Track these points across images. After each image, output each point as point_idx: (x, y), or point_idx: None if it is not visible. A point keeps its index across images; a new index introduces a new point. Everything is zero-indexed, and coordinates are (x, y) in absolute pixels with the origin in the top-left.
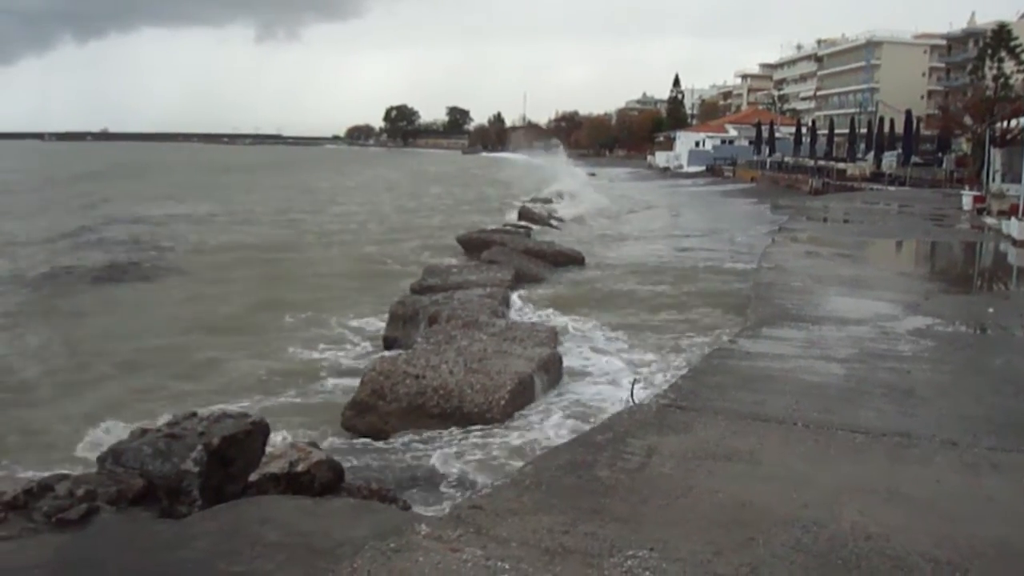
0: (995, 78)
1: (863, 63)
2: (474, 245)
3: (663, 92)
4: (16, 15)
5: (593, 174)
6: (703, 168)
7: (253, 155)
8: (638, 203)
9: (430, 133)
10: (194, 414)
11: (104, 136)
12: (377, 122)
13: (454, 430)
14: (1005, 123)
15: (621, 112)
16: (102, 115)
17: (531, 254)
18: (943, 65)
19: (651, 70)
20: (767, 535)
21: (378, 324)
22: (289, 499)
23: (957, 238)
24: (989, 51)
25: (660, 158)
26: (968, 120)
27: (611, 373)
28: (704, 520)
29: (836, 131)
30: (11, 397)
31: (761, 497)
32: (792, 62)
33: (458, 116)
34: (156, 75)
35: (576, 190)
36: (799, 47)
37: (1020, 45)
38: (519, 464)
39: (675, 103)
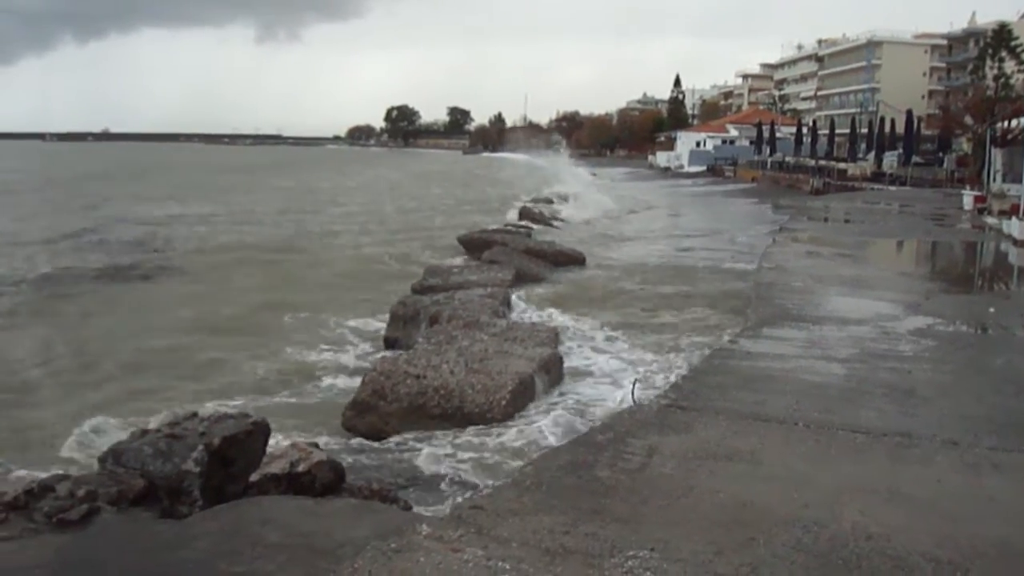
0: (996, 78)
1: (864, 63)
2: (475, 245)
3: (664, 92)
4: (16, 15)
5: (594, 174)
6: (704, 168)
7: (254, 155)
8: (639, 203)
9: (431, 133)
10: (195, 414)
11: (105, 136)
12: (378, 122)
13: (455, 430)
14: (1006, 123)
15: (622, 112)
16: (103, 115)
17: (532, 254)
18: (944, 65)
19: (652, 70)
20: (768, 535)
21: (379, 324)
22: (290, 499)
23: (958, 238)
24: (990, 51)
25: (661, 158)
26: (969, 120)
27: (612, 373)
28: (705, 520)
29: (837, 131)
30: (12, 397)
31: (762, 497)
32: (793, 62)
33: (459, 116)
34: (157, 75)
35: (578, 191)
36: (800, 47)
37: (1021, 45)
38: (520, 464)
39: (676, 103)
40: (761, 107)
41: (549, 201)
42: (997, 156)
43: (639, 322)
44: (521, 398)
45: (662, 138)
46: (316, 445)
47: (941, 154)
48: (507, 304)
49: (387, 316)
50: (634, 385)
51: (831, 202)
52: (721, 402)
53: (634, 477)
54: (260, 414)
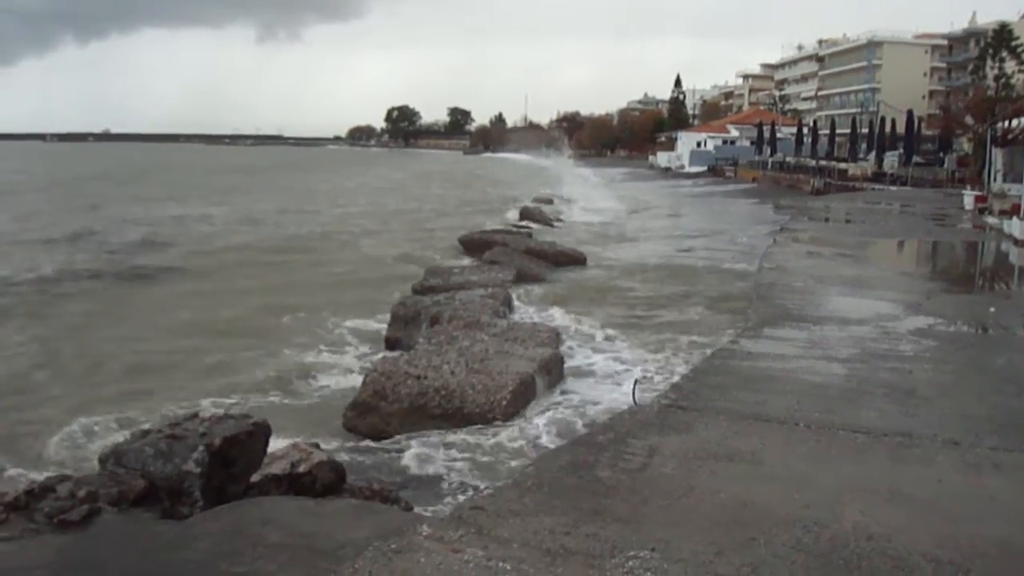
0: (996, 78)
1: (864, 63)
2: (476, 245)
3: (664, 92)
4: (17, 16)
5: (595, 175)
6: (705, 168)
7: (255, 156)
8: (639, 203)
9: (431, 134)
10: (195, 415)
11: (106, 137)
12: (378, 123)
13: (456, 431)
14: (1006, 123)
15: (622, 112)
16: (103, 116)
17: (533, 254)
18: (944, 65)
19: (652, 70)
20: (768, 535)
21: (380, 325)
22: (291, 500)
23: (959, 238)
24: (990, 51)
25: (662, 158)
26: (969, 120)
27: (612, 373)
28: (706, 520)
29: (837, 131)
30: (12, 398)
31: (763, 497)
32: (793, 62)
33: (459, 117)
34: (157, 76)
35: (580, 191)
36: (800, 47)
37: (1021, 45)
38: (521, 465)
39: (676, 103)
40: (762, 107)
41: (549, 201)
42: (998, 156)
43: (640, 322)
44: (522, 398)
45: (663, 138)
46: (317, 446)
47: (942, 154)
48: (508, 304)
49: (388, 316)
50: (635, 385)
51: (832, 202)
52: (722, 402)
53: (635, 477)
54: (261, 415)
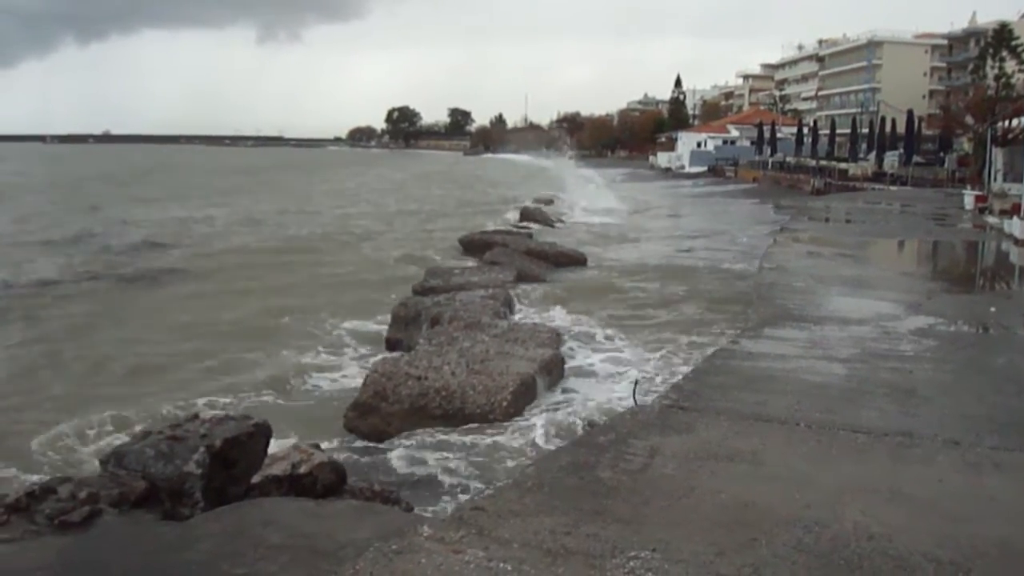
0: (996, 77)
1: (864, 63)
2: (476, 246)
3: (665, 92)
4: (17, 17)
5: (598, 175)
6: (705, 169)
7: (255, 157)
8: (640, 204)
9: (432, 134)
10: (196, 416)
11: (106, 138)
12: (379, 123)
13: (456, 431)
14: (1006, 122)
15: (623, 113)
16: (104, 117)
17: (533, 255)
18: (944, 65)
19: (653, 70)
20: (769, 535)
21: (380, 326)
22: (292, 501)
23: (959, 238)
24: (990, 50)
25: (662, 159)
26: (969, 120)
27: (613, 374)
28: (706, 521)
29: (838, 131)
30: (12, 399)
31: (763, 497)
32: (793, 62)
33: (460, 117)
34: (157, 77)
35: (581, 192)
36: (800, 47)
37: (1021, 44)
38: (521, 465)
39: (677, 103)
40: (762, 107)
41: (550, 202)
42: (998, 156)
43: (640, 323)
44: (522, 399)
45: (663, 139)
46: (318, 446)
47: (942, 154)
48: (508, 305)
49: (388, 317)
50: (635, 386)
51: (832, 202)
52: (722, 402)
53: (635, 478)
54: (261, 416)
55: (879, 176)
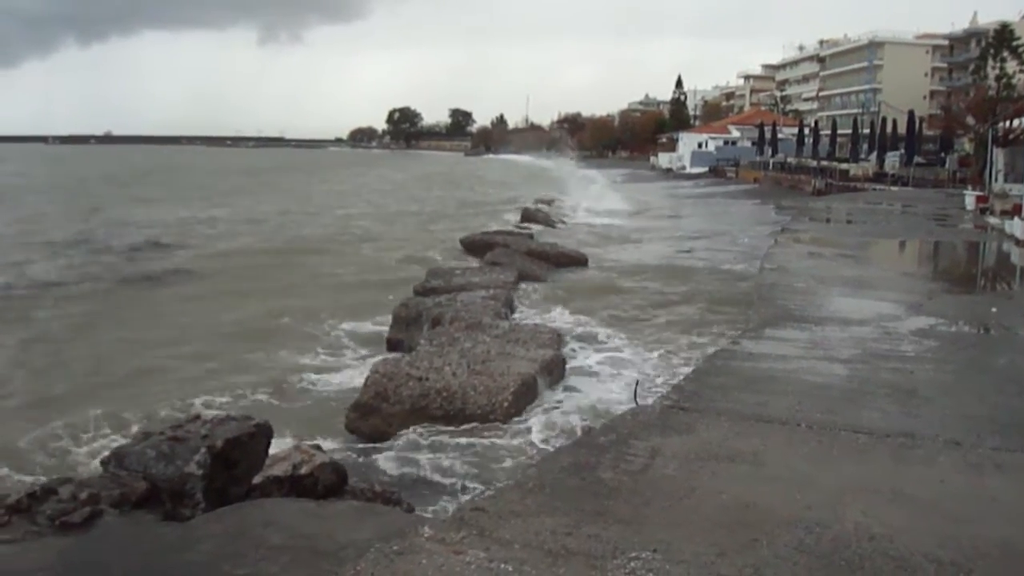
0: (997, 78)
1: (865, 63)
2: (477, 247)
3: (665, 93)
4: (18, 18)
5: (601, 176)
6: (706, 169)
7: (256, 158)
8: (641, 204)
9: (433, 135)
10: (197, 417)
11: (108, 139)
12: (380, 124)
13: (457, 432)
14: (1008, 123)
15: (624, 113)
16: (105, 118)
17: (534, 256)
18: (945, 65)
19: (653, 71)
20: (770, 536)
21: (381, 326)
22: (293, 502)
23: (960, 238)
24: (991, 51)
25: (663, 159)
26: (970, 120)
27: (614, 374)
28: (707, 521)
29: (839, 132)
30: (13, 400)
31: (764, 498)
32: (794, 63)
33: (461, 118)
34: (159, 78)
35: (581, 193)
36: (801, 48)
37: (1022, 45)
38: (522, 465)
39: (678, 104)
40: (763, 108)
41: (551, 203)
42: (999, 156)
43: (641, 323)
44: (523, 399)
45: (664, 139)
46: (319, 447)
47: (943, 154)
48: (509, 306)
49: (389, 318)
50: (636, 386)
51: (833, 203)
52: (723, 403)
53: (636, 478)
54: (262, 416)
55: (880, 177)
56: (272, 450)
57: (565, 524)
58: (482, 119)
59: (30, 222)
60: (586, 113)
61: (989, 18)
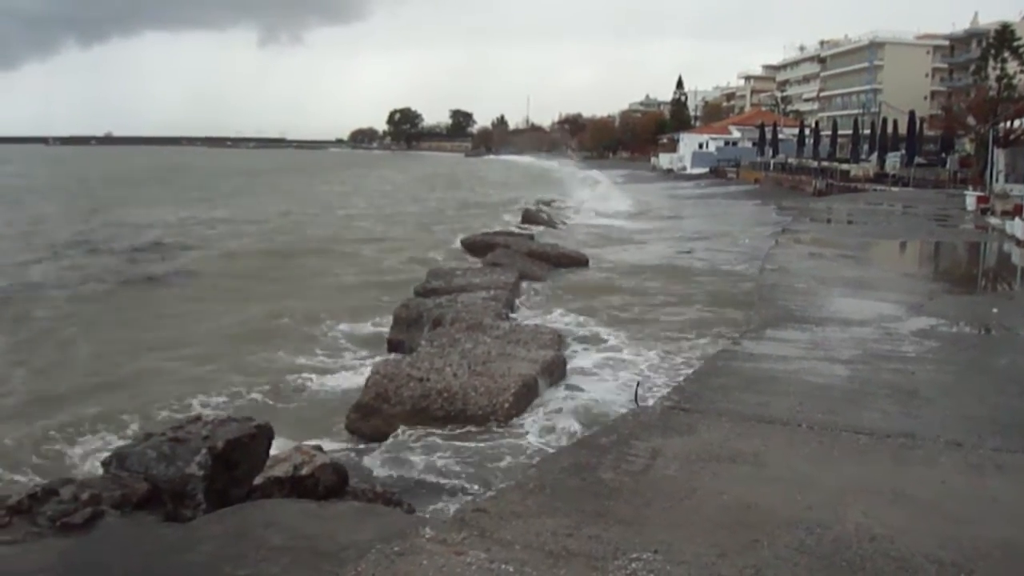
0: (998, 78)
1: (866, 64)
2: (478, 247)
3: (666, 94)
4: (19, 19)
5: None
6: (707, 170)
7: (257, 159)
8: (642, 205)
9: (433, 136)
10: (198, 418)
11: (108, 140)
12: (380, 125)
13: (458, 433)
14: (1008, 123)
15: (624, 114)
16: (106, 119)
17: (535, 256)
18: (946, 66)
19: (654, 72)
20: (771, 537)
21: (382, 327)
22: (294, 503)
23: (961, 239)
24: (992, 51)
25: (664, 160)
26: (971, 120)
27: (615, 375)
28: (708, 522)
29: (839, 132)
30: (13, 400)
31: (765, 499)
32: (795, 63)
33: (461, 119)
34: (159, 79)
35: (582, 194)
36: (802, 48)
37: (1023, 45)
38: (523, 466)
39: (678, 105)
40: (763, 108)
41: (551, 204)
42: (1000, 157)
43: (642, 324)
44: (524, 400)
45: (664, 140)
46: (320, 448)
47: (944, 155)
48: (510, 306)
49: (390, 319)
50: (637, 387)
51: (834, 203)
52: (724, 404)
53: (637, 479)
54: (263, 417)
55: (881, 177)
56: (273, 451)
57: (566, 525)
58: (483, 120)
59: (30, 223)
60: (587, 114)
61: (990, 18)
